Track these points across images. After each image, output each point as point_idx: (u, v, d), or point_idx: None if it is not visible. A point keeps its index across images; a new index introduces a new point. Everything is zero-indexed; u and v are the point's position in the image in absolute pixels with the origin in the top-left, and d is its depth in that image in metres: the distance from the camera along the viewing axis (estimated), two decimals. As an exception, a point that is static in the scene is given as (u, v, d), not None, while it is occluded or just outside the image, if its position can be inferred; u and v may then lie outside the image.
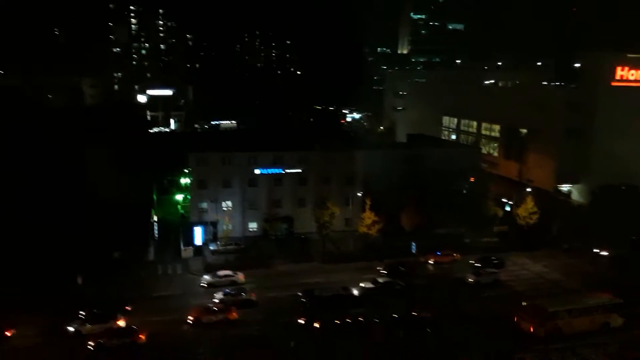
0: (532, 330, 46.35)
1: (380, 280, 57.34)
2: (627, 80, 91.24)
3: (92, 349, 44.30)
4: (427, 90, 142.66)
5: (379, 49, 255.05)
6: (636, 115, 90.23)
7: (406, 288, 55.51)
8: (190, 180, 75.42)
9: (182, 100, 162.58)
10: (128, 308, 50.85)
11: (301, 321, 47.77)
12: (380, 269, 62.59)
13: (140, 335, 45.85)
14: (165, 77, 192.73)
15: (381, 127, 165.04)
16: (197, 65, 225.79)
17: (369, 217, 67.65)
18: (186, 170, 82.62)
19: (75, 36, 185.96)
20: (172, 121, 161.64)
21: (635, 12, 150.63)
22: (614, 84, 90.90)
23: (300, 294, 51.50)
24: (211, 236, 70.69)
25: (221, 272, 59.24)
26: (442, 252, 67.30)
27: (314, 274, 61.97)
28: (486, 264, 63.55)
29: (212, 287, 56.99)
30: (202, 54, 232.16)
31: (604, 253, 67.37)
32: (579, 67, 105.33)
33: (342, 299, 50.00)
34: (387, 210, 68.88)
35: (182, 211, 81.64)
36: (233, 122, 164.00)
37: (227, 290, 54.42)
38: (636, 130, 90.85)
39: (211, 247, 68.76)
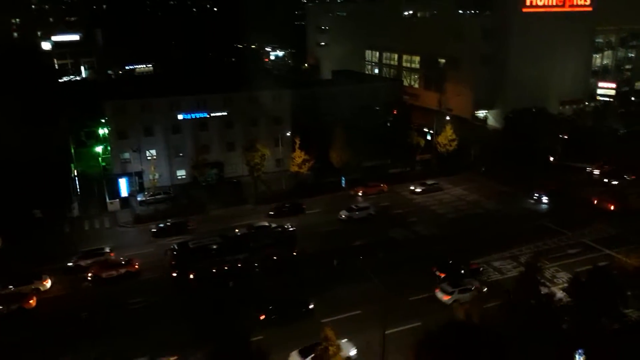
0: (612, 208, 60.58)
1: (256, 224, 56.73)
2: (537, 6, 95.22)
3: None
4: (349, 24, 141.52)
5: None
6: (545, 40, 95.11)
7: (282, 230, 52.75)
8: (109, 130, 71.92)
9: (91, 46, 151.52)
10: None
11: (174, 274, 46.83)
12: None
13: (31, 301, 43.53)
14: (70, 21, 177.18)
15: (306, 64, 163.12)
16: (104, 6, 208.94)
17: (299, 156, 68.33)
18: (103, 120, 78.50)
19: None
20: (82, 69, 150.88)
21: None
22: (525, 9, 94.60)
23: (173, 246, 48.41)
24: (137, 187, 68.80)
25: None
26: (369, 184, 69.74)
27: (247, 216, 62.52)
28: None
29: None
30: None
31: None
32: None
33: (216, 248, 47.72)
34: (317, 147, 69.79)
35: (103, 163, 78.19)
36: (149, 65, 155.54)
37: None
38: (545, 54, 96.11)
39: (139, 198, 67.10)
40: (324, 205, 65.27)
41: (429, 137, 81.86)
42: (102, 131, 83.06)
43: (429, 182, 70.37)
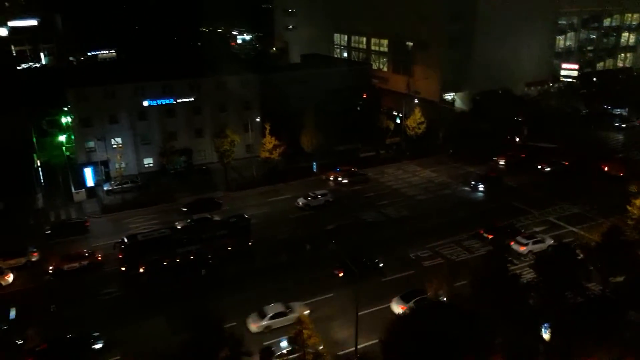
0: (621, 174, 65.14)
1: (195, 217, 55.06)
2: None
3: None
4: (316, 8, 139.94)
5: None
6: (511, 23, 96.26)
7: (237, 220, 51.53)
8: (72, 118, 69.81)
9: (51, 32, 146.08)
10: None
11: (123, 269, 45.70)
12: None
13: None
14: (27, 6, 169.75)
15: (274, 48, 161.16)
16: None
17: (269, 141, 67.70)
18: (66, 109, 76.16)
19: None
20: (42, 55, 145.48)
21: None
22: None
23: (122, 239, 47.00)
24: (103, 176, 67.24)
25: None
26: (341, 168, 69.92)
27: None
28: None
29: None
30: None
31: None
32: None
33: (167, 240, 46.68)
34: (287, 133, 69.38)
35: (67, 153, 76.02)
36: (112, 51, 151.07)
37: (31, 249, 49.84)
38: (510, 37, 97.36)
39: (105, 188, 65.62)
40: (295, 191, 65.09)
41: (398, 121, 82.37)
42: (65, 119, 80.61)
43: (358, 172, 69.10)
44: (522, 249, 48.26)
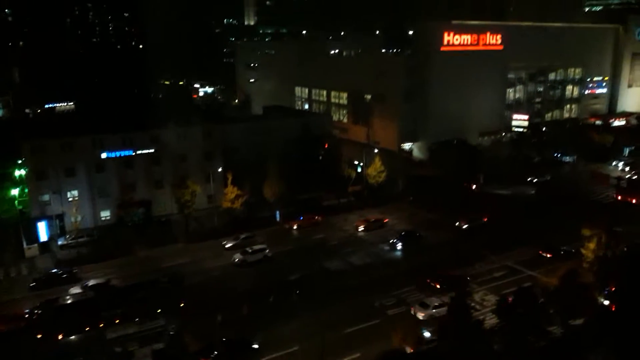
0: (634, 201, 73.37)
1: (89, 283, 51.57)
2: (454, 45, 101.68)
3: None
4: (277, 62, 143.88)
5: (225, 20, 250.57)
6: (463, 76, 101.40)
7: (168, 280, 50.92)
8: (26, 171, 67.65)
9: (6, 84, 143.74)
10: None
11: (39, 336, 42.64)
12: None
13: None
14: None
15: (236, 100, 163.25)
16: (21, 44, 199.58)
17: (231, 191, 67.37)
18: (20, 161, 73.91)
19: None
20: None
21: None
22: (443, 48, 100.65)
23: (38, 304, 45.00)
24: (58, 230, 64.69)
25: None
26: (304, 217, 69.86)
27: (179, 256, 60.40)
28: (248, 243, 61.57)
29: None
30: (25, 30, 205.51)
31: None
32: (412, 34, 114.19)
33: (89, 304, 45.10)
34: (249, 182, 69.28)
35: (20, 207, 73.14)
36: (70, 103, 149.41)
37: None
38: (463, 89, 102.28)
39: (60, 242, 63.05)
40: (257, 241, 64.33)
41: (359, 170, 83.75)
42: (19, 172, 78.08)
43: (245, 235, 63.75)
44: None
